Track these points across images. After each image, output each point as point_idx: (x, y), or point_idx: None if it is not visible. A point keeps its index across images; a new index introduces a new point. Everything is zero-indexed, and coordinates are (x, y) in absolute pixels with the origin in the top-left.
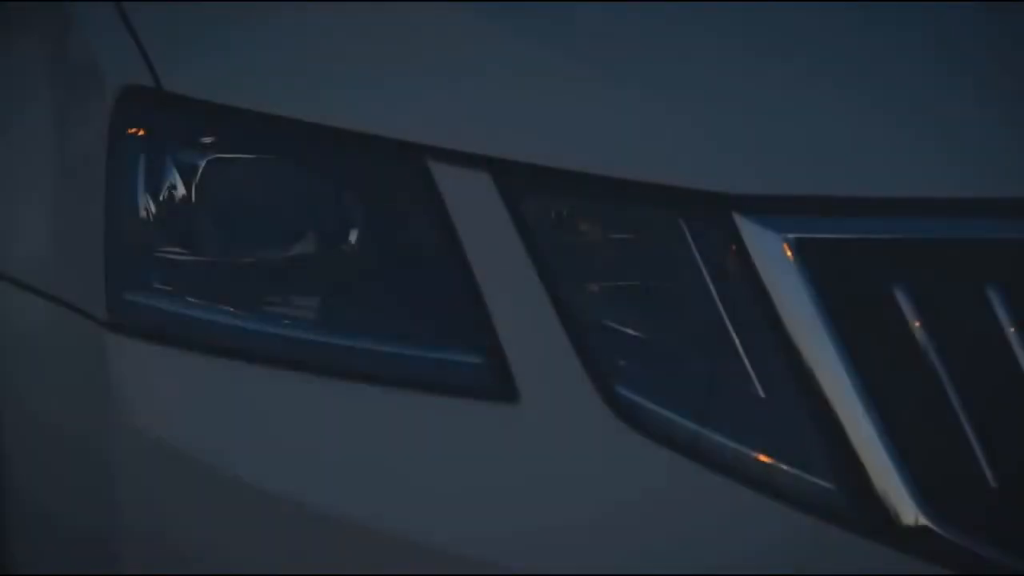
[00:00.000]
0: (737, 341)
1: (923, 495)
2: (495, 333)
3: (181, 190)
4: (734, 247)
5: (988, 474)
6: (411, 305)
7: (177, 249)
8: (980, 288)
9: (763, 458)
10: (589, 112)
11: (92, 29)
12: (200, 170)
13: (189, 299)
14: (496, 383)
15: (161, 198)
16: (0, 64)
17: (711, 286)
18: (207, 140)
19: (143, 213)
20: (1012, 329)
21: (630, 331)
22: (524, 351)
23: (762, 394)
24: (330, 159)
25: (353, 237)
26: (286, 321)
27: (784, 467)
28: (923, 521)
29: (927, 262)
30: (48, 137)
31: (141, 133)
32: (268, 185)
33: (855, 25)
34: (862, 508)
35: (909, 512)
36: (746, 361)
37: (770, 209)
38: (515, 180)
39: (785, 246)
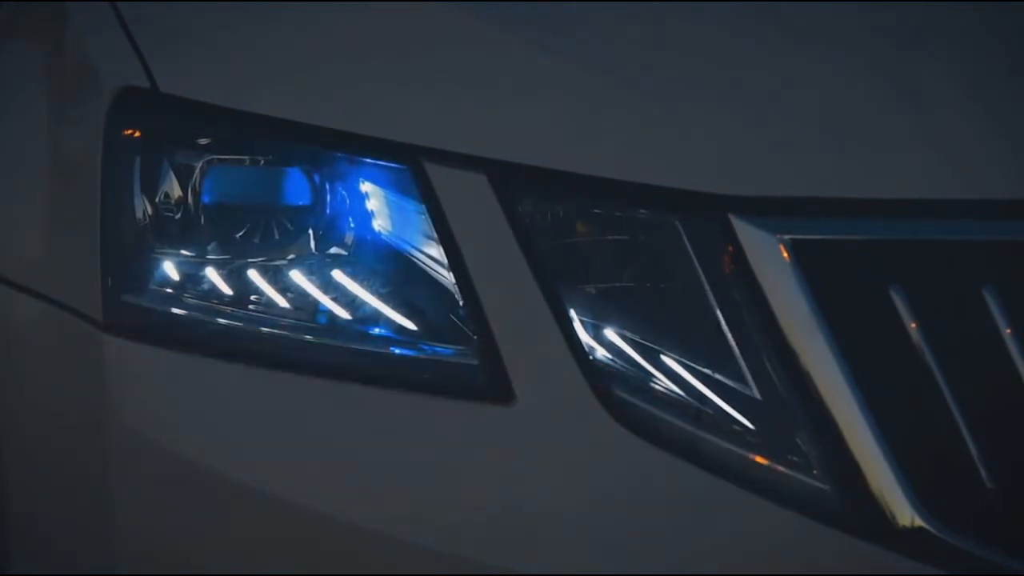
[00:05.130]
0: (733, 342)
1: (919, 496)
2: (491, 334)
3: (177, 191)
4: (730, 248)
5: (984, 475)
6: (407, 306)
7: (173, 250)
8: (976, 289)
9: (759, 459)
10: (585, 114)
11: (88, 31)
12: (196, 171)
13: (185, 300)
14: (492, 384)
15: (157, 199)
16: None
17: (707, 287)
18: (203, 141)
19: (139, 214)
20: (1008, 330)
21: (626, 332)
22: (520, 352)
23: (758, 395)
24: (326, 160)
25: (349, 238)
26: (282, 322)
27: (780, 468)
28: (919, 522)
29: (923, 263)
30: (44, 138)
31: (137, 135)
32: (264, 186)
33: (851, 25)
34: (858, 509)
35: (905, 513)
36: (742, 362)
37: (766, 210)
38: (511, 181)
39: (781, 247)
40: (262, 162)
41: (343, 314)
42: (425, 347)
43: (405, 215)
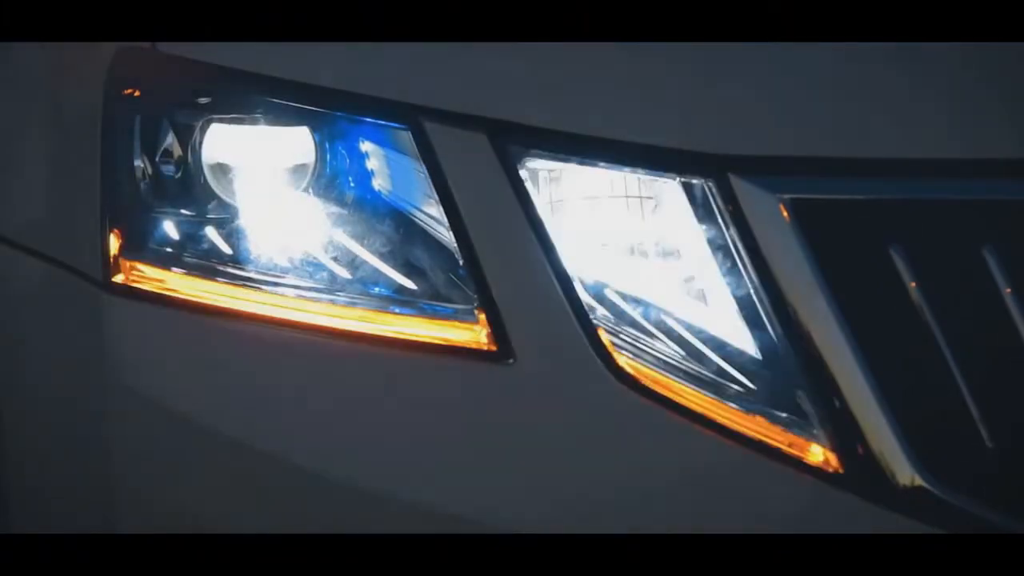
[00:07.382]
0: (734, 302)
1: (919, 455)
2: (491, 293)
3: (177, 151)
4: (730, 208)
5: (984, 434)
6: (407, 265)
7: (173, 210)
8: (977, 249)
9: (760, 419)
10: (585, 73)
11: None
12: (195, 131)
13: (184, 259)
14: (492, 343)
15: (157, 159)
16: None
17: (707, 247)
18: (202, 101)
19: (139, 174)
20: (1008, 290)
21: (626, 291)
22: (520, 311)
23: (758, 355)
24: (326, 120)
25: (349, 198)
26: (281, 281)
27: (781, 427)
28: (919, 481)
29: (923, 223)
30: (44, 98)
31: (137, 94)
32: (263, 146)
33: None
34: (858, 468)
35: (905, 472)
36: (743, 322)
37: (766, 170)
38: (511, 141)
39: (781, 207)
40: (262, 121)
41: (343, 273)
42: (425, 306)
43: (405, 174)
